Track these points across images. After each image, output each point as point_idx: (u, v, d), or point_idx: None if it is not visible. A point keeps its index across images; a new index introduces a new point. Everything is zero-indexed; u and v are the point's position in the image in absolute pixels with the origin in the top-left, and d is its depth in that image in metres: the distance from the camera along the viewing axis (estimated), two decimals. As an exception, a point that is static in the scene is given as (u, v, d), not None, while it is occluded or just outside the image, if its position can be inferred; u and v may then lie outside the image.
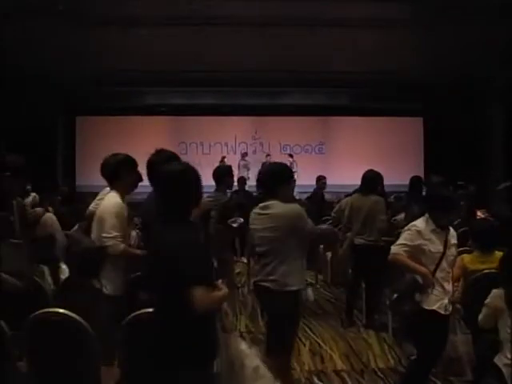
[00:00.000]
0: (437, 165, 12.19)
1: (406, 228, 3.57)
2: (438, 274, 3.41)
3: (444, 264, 3.43)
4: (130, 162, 3.56)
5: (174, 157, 3.39)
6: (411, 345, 4.13)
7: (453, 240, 3.52)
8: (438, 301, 3.39)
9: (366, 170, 5.78)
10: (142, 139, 14.02)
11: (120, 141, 14.37)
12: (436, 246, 3.42)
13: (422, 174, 9.60)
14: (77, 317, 2.70)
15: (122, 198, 3.49)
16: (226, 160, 13.66)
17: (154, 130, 14.54)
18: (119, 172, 3.50)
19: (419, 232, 3.44)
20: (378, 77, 11.57)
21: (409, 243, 3.45)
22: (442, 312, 3.40)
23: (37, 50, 9.51)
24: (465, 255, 4.14)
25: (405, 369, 4.19)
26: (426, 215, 3.52)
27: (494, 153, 12.05)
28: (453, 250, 3.54)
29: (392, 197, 8.03)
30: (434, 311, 3.38)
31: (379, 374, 4.30)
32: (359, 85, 12.47)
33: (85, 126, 14.76)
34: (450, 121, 12.46)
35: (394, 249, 3.50)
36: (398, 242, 3.52)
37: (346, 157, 14.41)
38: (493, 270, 3.71)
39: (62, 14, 7.81)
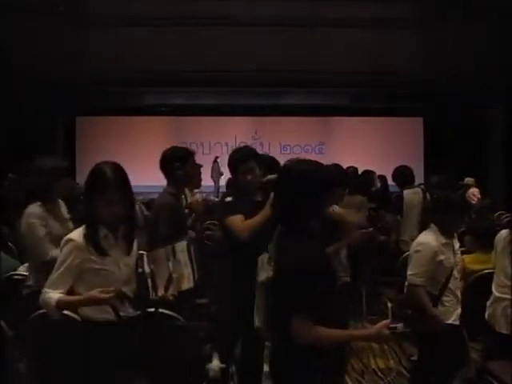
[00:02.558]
0: (437, 165, 12.18)
1: (417, 248, 3.27)
2: (451, 284, 3.24)
3: (455, 272, 3.28)
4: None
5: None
6: (411, 345, 4.12)
7: (456, 245, 3.37)
8: (453, 312, 3.25)
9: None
10: (142, 139, 14.06)
11: (120, 141, 14.42)
12: (449, 260, 3.25)
13: (421, 174, 9.59)
14: (76, 316, 2.69)
15: None
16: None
17: (153, 130, 14.55)
18: None
19: (435, 252, 3.20)
20: (378, 77, 11.57)
21: (425, 268, 3.20)
22: (458, 323, 3.25)
23: (37, 50, 9.51)
24: (465, 256, 4.11)
25: (405, 369, 4.20)
26: (432, 226, 3.26)
27: (493, 153, 12.04)
28: (459, 255, 3.42)
29: (393, 197, 8.01)
30: (450, 325, 3.20)
31: (379, 374, 4.29)
32: (359, 85, 12.46)
33: (85, 126, 14.77)
34: (450, 121, 12.46)
35: (411, 279, 3.22)
36: (414, 269, 3.22)
37: (346, 157, 14.35)
38: (493, 271, 3.66)
39: (61, 14, 7.84)
